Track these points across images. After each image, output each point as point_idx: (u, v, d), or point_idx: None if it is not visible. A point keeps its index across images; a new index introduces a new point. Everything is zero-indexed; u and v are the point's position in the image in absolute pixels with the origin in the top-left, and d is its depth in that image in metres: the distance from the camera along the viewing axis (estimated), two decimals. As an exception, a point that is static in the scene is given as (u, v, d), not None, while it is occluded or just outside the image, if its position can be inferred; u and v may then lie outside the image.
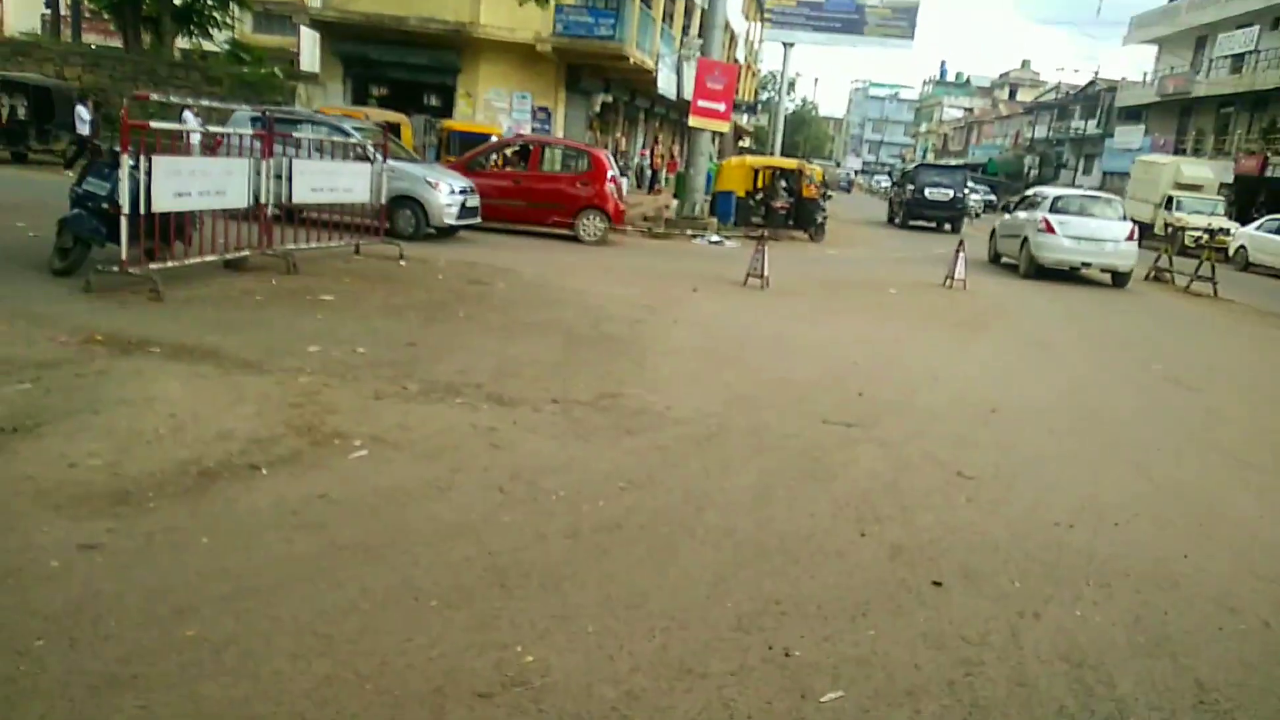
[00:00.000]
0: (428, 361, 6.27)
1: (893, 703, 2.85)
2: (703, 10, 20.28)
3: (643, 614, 3.19)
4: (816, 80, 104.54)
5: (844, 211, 34.95)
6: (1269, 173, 32.91)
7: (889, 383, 7.39)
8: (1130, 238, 15.94)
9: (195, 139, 9.30)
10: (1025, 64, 75.54)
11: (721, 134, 34.22)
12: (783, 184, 20.59)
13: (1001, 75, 77.18)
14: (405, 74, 19.80)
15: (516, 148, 15.91)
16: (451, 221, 13.06)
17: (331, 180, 9.70)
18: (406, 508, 3.83)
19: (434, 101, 19.96)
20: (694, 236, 17.66)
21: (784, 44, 39.42)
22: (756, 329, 9.22)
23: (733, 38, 36.91)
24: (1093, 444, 6.15)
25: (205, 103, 13.21)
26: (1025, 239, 16.50)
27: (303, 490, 3.86)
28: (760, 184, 20.77)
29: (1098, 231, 15.85)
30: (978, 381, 7.80)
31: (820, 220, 20.82)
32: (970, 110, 76.48)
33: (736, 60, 40.84)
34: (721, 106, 17.65)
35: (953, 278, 14.11)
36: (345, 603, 3.02)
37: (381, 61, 19.63)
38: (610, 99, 22.62)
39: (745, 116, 43.99)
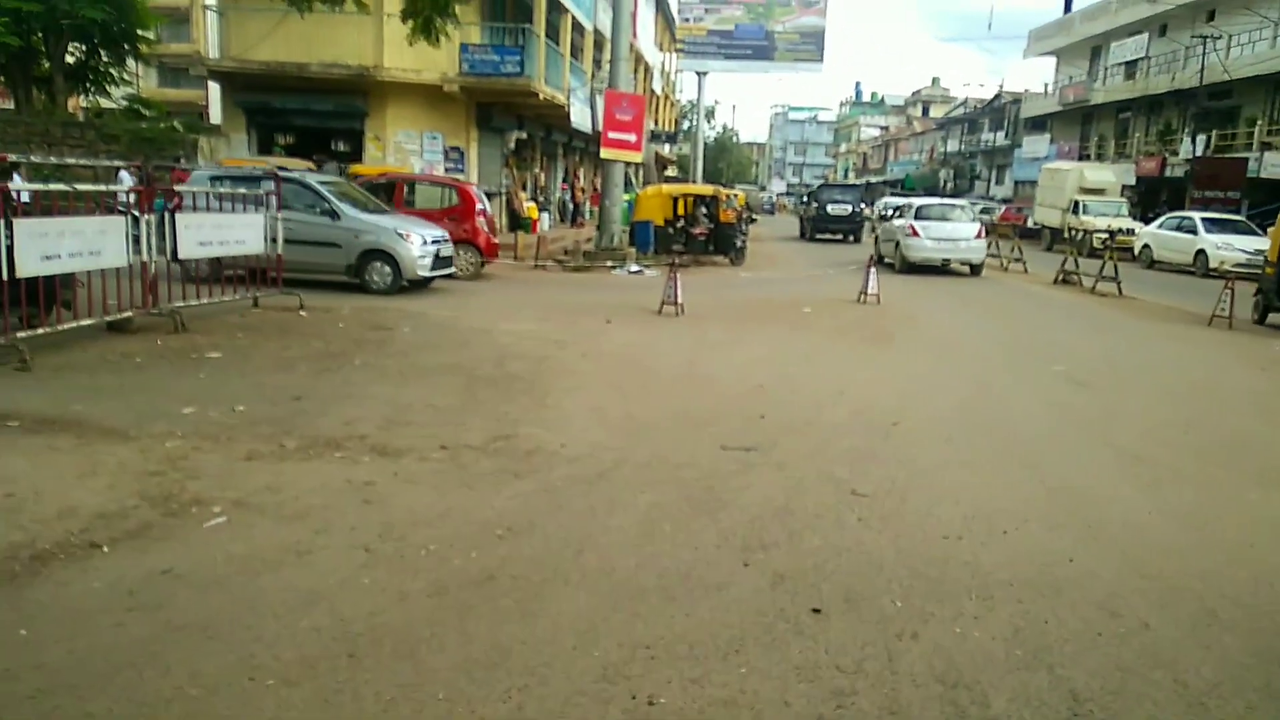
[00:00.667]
0: (313, 415, 6.03)
1: (759, 746, 2.73)
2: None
3: (501, 673, 3.02)
4: (734, 107, 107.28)
5: (767, 232, 35.49)
6: (1168, 172, 34.30)
7: (795, 403, 7.36)
8: (979, 236, 19.25)
9: (132, 198, 8.85)
10: (935, 81, 77.96)
11: (638, 164, 34.45)
12: (702, 210, 20.73)
13: (914, 93, 79.47)
14: (311, 121, 19.49)
15: (382, 184, 15.32)
16: (425, 274, 12.47)
17: (221, 233, 9.40)
18: (259, 577, 3.61)
19: (343, 147, 19.65)
20: (613, 268, 17.62)
21: (697, 73, 40.00)
22: (667, 357, 9.15)
23: (646, 69, 37.32)
24: (990, 450, 6.17)
25: (154, 162, 12.75)
26: (898, 242, 19.38)
27: (146, 567, 3.61)
28: (683, 211, 20.88)
29: (952, 233, 19.05)
30: (883, 394, 7.82)
31: (739, 244, 20.98)
32: (886, 128, 78.47)
33: (653, 91, 41.31)
34: (632, 137, 17.72)
35: (866, 293, 14.30)
36: (170, 690, 2.80)
37: (285, 109, 19.29)
38: (525, 135, 22.58)
39: (667, 146, 44.45)
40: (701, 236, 20.47)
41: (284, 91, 18.85)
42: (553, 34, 22.34)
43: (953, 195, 49.34)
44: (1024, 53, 47.66)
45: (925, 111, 74.85)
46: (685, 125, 54.04)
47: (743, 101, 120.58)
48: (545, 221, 24.24)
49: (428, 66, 18.51)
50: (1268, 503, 5.33)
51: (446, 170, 19.62)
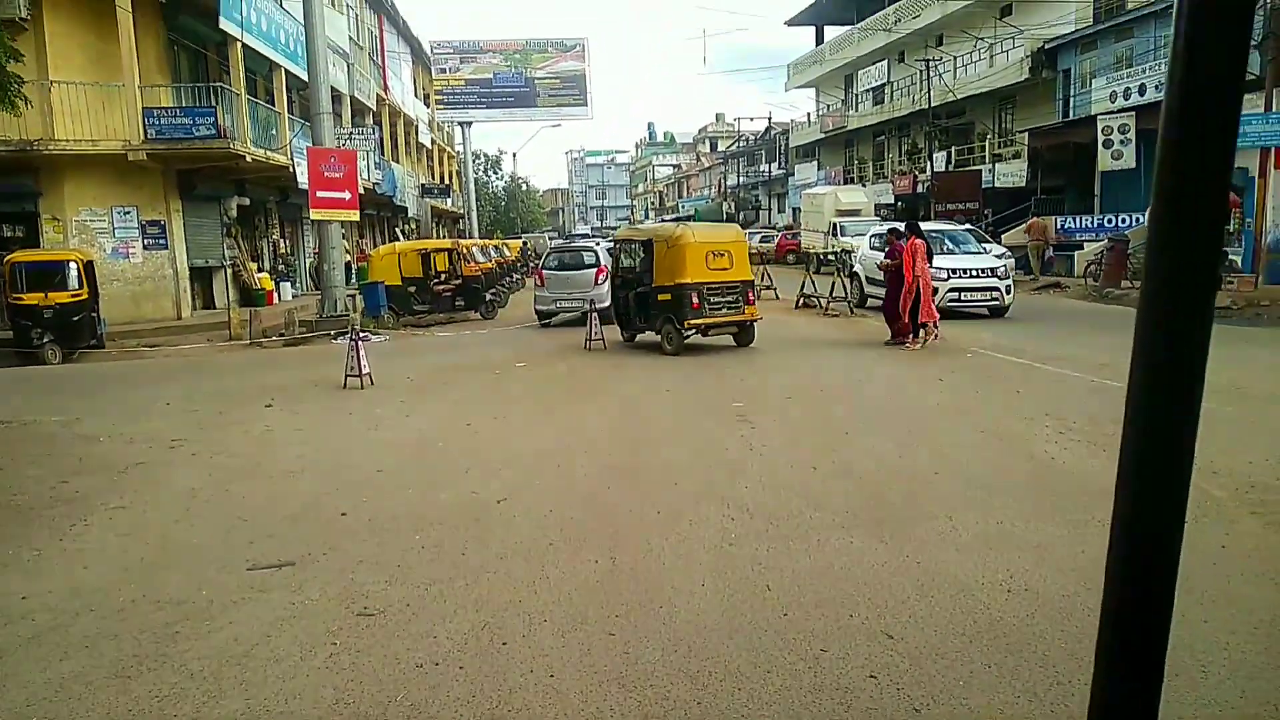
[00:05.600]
0: None
1: None
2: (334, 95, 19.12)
3: None
4: (515, 155, 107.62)
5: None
6: (919, 189, 36.38)
7: (407, 487, 6.47)
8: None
9: None
10: (719, 117, 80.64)
11: (415, 220, 33.14)
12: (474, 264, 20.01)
13: (701, 130, 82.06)
14: (-28, 205, 17.14)
15: None
16: None
17: None
18: None
19: (16, 232, 17.33)
20: (337, 336, 16.28)
21: (460, 124, 39.23)
22: (299, 446, 8.04)
23: (408, 123, 36.21)
24: (577, 529, 5.43)
25: None
26: None
27: None
28: (442, 267, 19.92)
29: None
30: (521, 463, 7.06)
31: (489, 297, 20.14)
32: (678, 166, 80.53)
33: (423, 145, 40.22)
34: (345, 195, 16.54)
35: (591, 339, 13.75)
36: None
37: (-61, 194, 16.89)
38: (248, 201, 20.91)
39: (448, 200, 43.38)
40: (447, 293, 19.50)
41: (-66, 174, 16.47)
42: (268, 91, 20.94)
43: (742, 226, 50.92)
44: (785, 86, 49.92)
45: (713, 147, 77.22)
46: (473, 177, 53.25)
47: (543, 149, 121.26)
48: (288, 291, 22.57)
49: (107, 135, 16.71)
50: (821, 568, 4.81)
51: (146, 247, 17.72)
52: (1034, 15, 31.39)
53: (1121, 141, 23.62)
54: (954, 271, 16.06)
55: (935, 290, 14.68)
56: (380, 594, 4.48)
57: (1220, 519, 5.14)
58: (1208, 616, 3.88)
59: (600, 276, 16.69)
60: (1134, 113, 23.72)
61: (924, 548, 4.87)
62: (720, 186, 63.73)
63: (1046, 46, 29.91)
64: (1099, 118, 24.48)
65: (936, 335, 12.66)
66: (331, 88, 23.83)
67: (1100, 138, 24.05)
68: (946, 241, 17.33)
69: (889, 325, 13.14)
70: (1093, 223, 25.54)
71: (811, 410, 8.90)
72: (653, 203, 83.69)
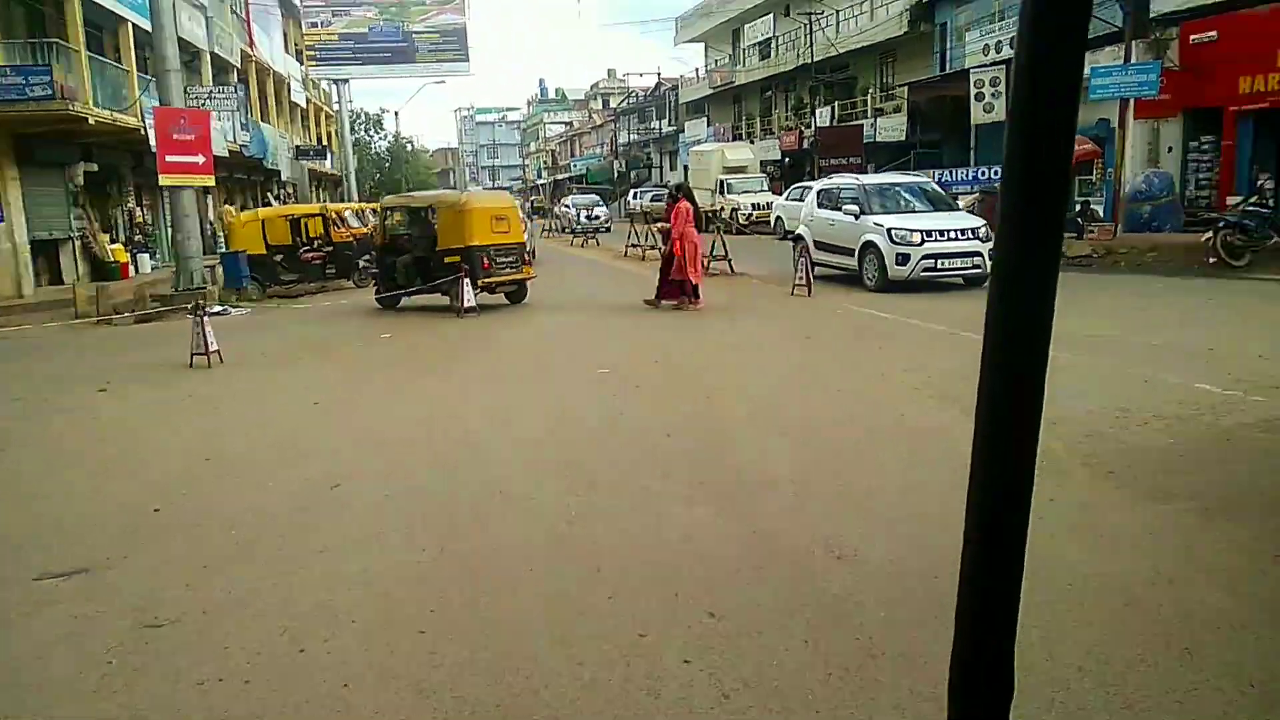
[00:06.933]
0: None
1: None
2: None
3: None
4: (397, 114, 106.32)
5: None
6: (805, 145, 36.68)
7: (237, 476, 6.04)
8: None
9: None
10: (611, 73, 79.47)
11: (293, 184, 31.54)
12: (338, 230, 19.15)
13: (593, 86, 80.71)
14: None
15: None
16: None
17: None
18: None
19: None
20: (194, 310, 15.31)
21: (335, 81, 37.46)
22: (127, 434, 7.45)
23: (278, 81, 34.33)
24: (412, 517, 5.12)
25: None
26: None
27: None
28: (315, 233, 18.96)
29: None
30: (365, 445, 6.70)
31: (362, 264, 19.34)
32: (570, 124, 79.18)
33: (297, 104, 38.31)
34: (199, 158, 15.49)
35: (464, 305, 13.31)
36: None
37: None
38: (95, 167, 19.40)
39: (327, 162, 41.54)
40: (316, 261, 18.64)
41: None
42: (116, 48, 19.42)
43: (634, 185, 50.60)
44: (674, 40, 49.44)
45: (605, 104, 76.02)
46: (354, 137, 51.18)
47: (431, 107, 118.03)
48: (147, 264, 21.20)
49: (-73, 99, 15.18)
50: (657, 544, 4.66)
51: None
52: (913, -32, 31.70)
53: (992, 95, 24.19)
54: (928, 234, 13.12)
55: (906, 258, 13.17)
56: (177, 601, 4.10)
57: (1052, 471, 5.19)
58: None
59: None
60: (1005, 66, 24.28)
61: (765, 517, 4.78)
62: (612, 144, 63.01)
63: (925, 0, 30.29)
64: (971, 71, 24.98)
65: (698, 301, 12.68)
66: (188, 43, 22.42)
67: (973, 90, 24.56)
68: (905, 197, 14.53)
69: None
70: (968, 175, 26.19)
71: (675, 375, 8.77)
72: (545, 162, 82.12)
